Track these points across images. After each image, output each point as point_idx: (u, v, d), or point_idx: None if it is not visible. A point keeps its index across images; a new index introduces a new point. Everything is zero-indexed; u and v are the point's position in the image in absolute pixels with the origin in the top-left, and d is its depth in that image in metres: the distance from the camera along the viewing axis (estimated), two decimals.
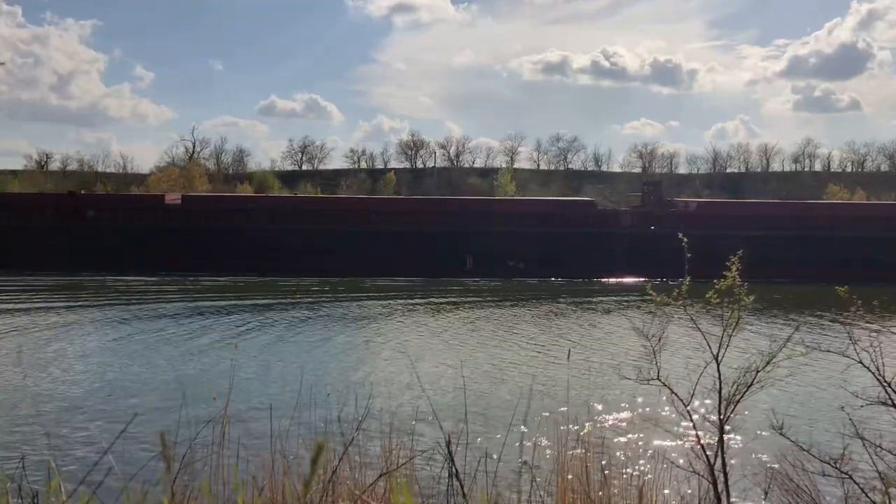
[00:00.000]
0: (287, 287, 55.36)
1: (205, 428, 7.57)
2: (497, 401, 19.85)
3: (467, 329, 36.14)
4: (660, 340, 7.66)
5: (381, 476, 6.75)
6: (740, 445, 12.40)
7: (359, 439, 8.01)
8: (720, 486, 7.17)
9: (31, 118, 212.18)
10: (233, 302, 46.11)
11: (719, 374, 7.38)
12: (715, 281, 7.49)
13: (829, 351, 7.88)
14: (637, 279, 58.60)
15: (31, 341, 29.90)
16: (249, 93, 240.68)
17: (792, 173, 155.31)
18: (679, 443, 11.59)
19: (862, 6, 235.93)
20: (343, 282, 59.04)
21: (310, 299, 48.44)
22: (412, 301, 48.31)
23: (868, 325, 11.26)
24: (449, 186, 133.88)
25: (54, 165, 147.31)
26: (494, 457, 7.60)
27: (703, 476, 7.37)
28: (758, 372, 7.22)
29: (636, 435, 15.28)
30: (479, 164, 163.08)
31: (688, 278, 8.01)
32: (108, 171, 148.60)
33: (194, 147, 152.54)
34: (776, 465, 8.66)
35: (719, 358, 7.39)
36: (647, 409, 17.59)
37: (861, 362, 7.22)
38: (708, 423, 7.65)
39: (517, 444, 11.62)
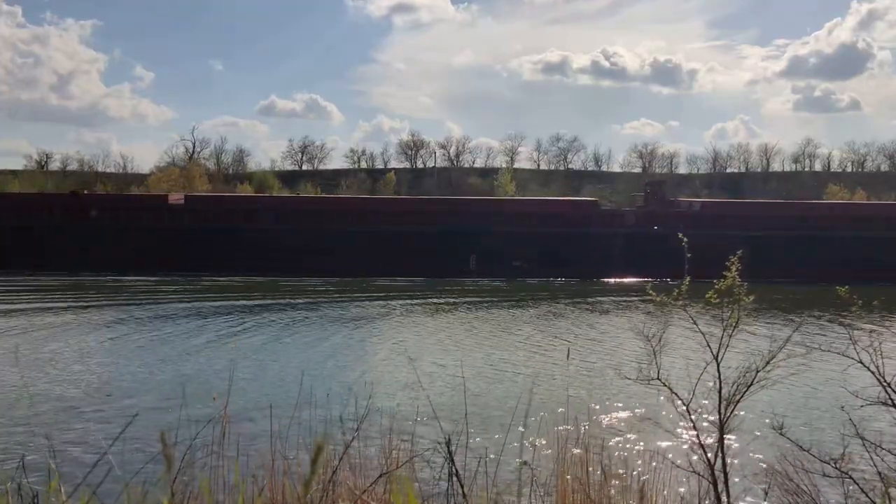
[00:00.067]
0: (289, 287, 55.38)
1: (205, 428, 7.57)
2: (497, 401, 19.85)
3: (468, 329, 36.14)
4: (660, 341, 7.65)
5: (381, 476, 6.75)
6: (740, 445, 12.39)
7: (359, 439, 8.00)
8: (720, 486, 7.17)
9: (31, 118, 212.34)
10: (235, 302, 46.10)
11: (719, 374, 7.38)
12: (715, 281, 7.49)
13: (829, 351, 7.88)
14: (641, 279, 58.63)
15: (31, 342, 29.89)
16: (249, 93, 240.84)
17: (792, 173, 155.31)
18: (679, 443, 11.58)
19: (862, 6, 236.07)
20: (346, 282, 59.07)
21: (312, 300, 48.44)
22: (414, 301, 48.30)
23: (868, 325, 11.27)
24: (449, 186, 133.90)
25: (54, 165, 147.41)
26: (494, 457, 7.60)
27: (703, 476, 7.37)
28: (758, 372, 7.22)
29: (636, 435, 15.27)
30: (479, 164, 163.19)
31: (687, 278, 8.01)
32: (108, 171, 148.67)
33: (194, 147, 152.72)
34: (776, 465, 8.66)
35: (719, 358, 7.40)
36: (647, 409, 17.58)
37: (861, 362, 7.22)
38: (708, 423, 7.65)
39: (517, 444, 11.62)
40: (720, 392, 7.36)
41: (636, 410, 18.04)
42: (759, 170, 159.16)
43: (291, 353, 28.07)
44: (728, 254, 7.67)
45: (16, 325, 34.50)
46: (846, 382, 9.18)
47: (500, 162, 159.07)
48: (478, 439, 14.08)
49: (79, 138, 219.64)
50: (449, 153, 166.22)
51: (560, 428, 11.34)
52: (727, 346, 7.39)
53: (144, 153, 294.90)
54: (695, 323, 7.56)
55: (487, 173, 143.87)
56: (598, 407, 18.22)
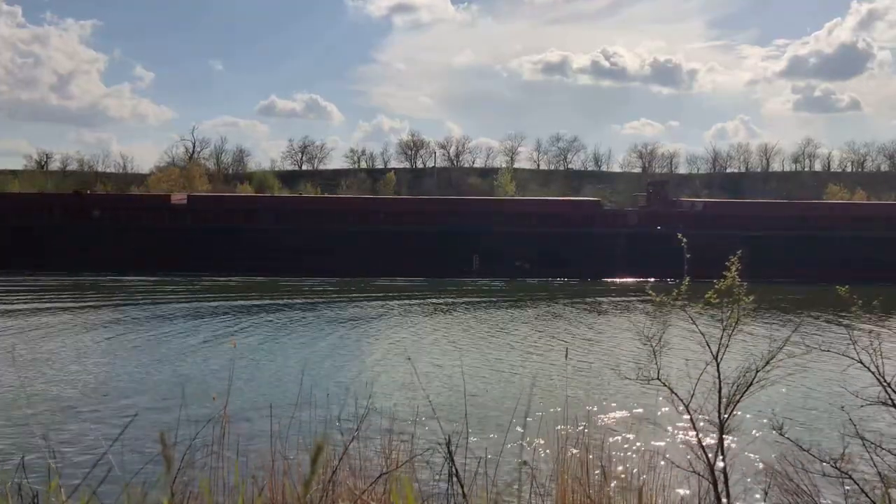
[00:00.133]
0: (289, 287, 55.37)
1: (204, 428, 7.56)
2: (497, 401, 19.85)
3: (468, 329, 36.14)
4: (660, 341, 7.65)
5: (381, 476, 6.75)
6: (740, 445, 12.39)
7: (359, 439, 8.00)
8: (720, 486, 7.17)
9: (31, 118, 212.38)
10: (234, 302, 46.09)
11: (719, 375, 7.38)
12: (715, 281, 7.49)
13: (829, 351, 7.88)
14: (643, 279, 58.61)
15: (28, 342, 29.88)
16: (249, 93, 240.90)
17: (792, 173, 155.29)
18: (679, 443, 11.59)
19: (862, 6, 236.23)
20: (347, 282, 59.05)
21: (312, 300, 48.44)
22: (414, 302, 48.29)
23: (868, 325, 11.27)
24: (449, 186, 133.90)
25: (54, 165, 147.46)
26: (492, 457, 7.60)
27: (703, 476, 7.37)
28: (758, 372, 7.22)
29: (636, 435, 15.25)
30: (479, 164, 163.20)
31: (687, 279, 8.01)
32: (108, 171, 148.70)
33: (194, 147, 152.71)
34: (776, 465, 8.66)
35: (719, 358, 7.39)
36: (647, 409, 17.57)
37: (861, 362, 7.22)
38: (708, 423, 7.65)
39: (517, 444, 11.62)
40: (720, 392, 7.36)
41: (636, 410, 18.04)
42: (759, 170, 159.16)
43: (291, 353, 28.06)
44: (732, 254, 7.67)
45: (13, 325, 34.50)
46: (846, 382, 9.18)
47: (499, 162, 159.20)
48: (478, 439, 14.07)
49: (79, 138, 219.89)
50: (449, 153, 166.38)
51: (560, 428, 11.33)
52: (727, 346, 7.39)
53: (144, 153, 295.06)
54: (694, 323, 7.56)
55: (487, 173, 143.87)
56: (597, 407, 18.21)
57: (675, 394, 7.46)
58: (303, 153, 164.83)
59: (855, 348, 7.32)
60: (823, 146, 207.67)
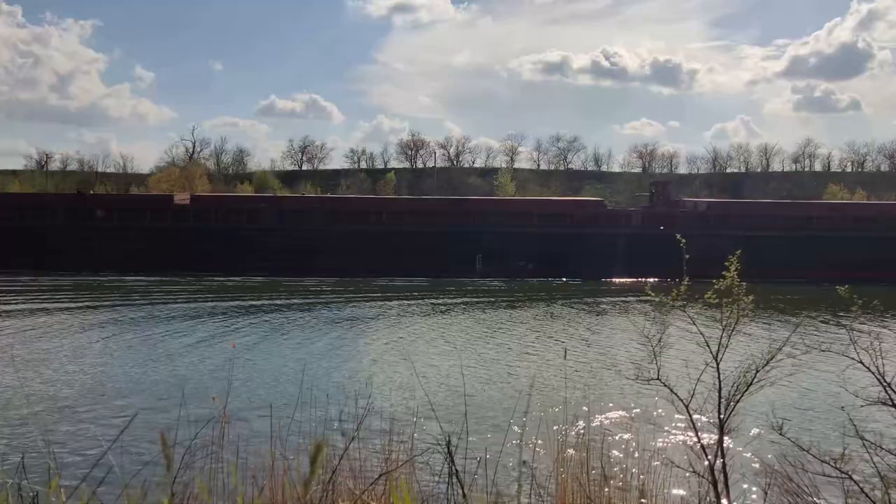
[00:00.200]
0: (291, 287, 55.35)
1: (204, 428, 7.56)
2: (496, 401, 19.83)
3: (468, 329, 36.12)
4: (660, 341, 7.65)
5: (381, 476, 6.75)
6: (740, 445, 12.39)
7: (359, 439, 8.00)
8: (720, 486, 7.16)
9: (31, 118, 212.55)
10: (234, 302, 46.08)
11: (719, 375, 7.37)
12: (714, 281, 7.49)
13: (828, 351, 7.87)
14: (647, 279, 58.57)
15: (26, 341, 29.88)
16: (249, 93, 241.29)
17: (792, 173, 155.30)
18: (679, 443, 11.58)
19: (862, 6, 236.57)
20: (348, 282, 59.02)
21: (313, 300, 48.42)
22: (414, 302, 48.27)
23: (868, 325, 11.27)
24: (449, 186, 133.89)
25: (54, 165, 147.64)
26: (492, 457, 7.60)
27: (703, 476, 7.36)
28: (757, 372, 7.21)
29: (635, 435, 15.24)
30: (479, 164, 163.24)
31: (686, 279, 8.01)
32: (108, 171, 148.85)
33: (194, 147, 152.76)
34: (776, 465, 8.65)
35: (719, 358, 7.39)
36: (647, 409, 17.56)
37: (861, 362, 7.21)
38: (708, 423, 7.64)
39: (517, 444, 11.61)
40: (720, 392, 7.35)
41: (635, 411, 18.03)
42: (759, 170, 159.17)
43: (290, 354, 28.04)
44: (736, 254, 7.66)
45: (10, 325, 34.48)
46: (846, 382, 9.17)
47: (500, 162, 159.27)
48: (477, 440, 14.07)
49: (79, 138, 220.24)
50: (449, 153, 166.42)
51: (559, 428, 11.33)
52: (727, 346, 7.38)
53: (144, 153, 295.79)
54: (693, 323, 7.56)
55: (487, 173, 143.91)
56: (596, 407, 18.19)
57: (675, 394, 7.46)
58: (303, 153, 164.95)
59: (855, 348, 7.31)
60: (823, 146, 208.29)
